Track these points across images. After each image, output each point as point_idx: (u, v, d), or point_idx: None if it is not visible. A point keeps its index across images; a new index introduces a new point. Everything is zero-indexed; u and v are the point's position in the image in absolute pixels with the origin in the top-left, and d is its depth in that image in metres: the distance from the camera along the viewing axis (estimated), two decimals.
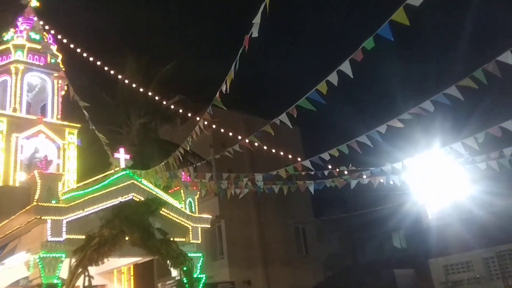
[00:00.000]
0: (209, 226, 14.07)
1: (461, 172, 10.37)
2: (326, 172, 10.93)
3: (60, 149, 14.57)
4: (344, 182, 10.97)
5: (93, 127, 12.55)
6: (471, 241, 13.56)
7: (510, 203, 13.91)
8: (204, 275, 12.93)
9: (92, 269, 10.55)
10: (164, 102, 15.36)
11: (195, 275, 12.64)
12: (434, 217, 14.97)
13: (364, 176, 10.82)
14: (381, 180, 10.81)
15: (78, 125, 14.91)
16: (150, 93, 14.83)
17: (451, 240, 14.15)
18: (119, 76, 13.95)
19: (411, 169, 10.26)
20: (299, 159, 10.60)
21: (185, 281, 12.48)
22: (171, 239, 11.57)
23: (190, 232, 13.17)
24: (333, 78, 6.27)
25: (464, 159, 9.58)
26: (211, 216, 14.12)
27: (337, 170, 10.94)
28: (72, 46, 13.78)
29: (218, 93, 7.49)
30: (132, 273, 14.57)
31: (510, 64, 5.77)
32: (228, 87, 7.21)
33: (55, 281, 10.06)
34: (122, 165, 12.26)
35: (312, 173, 11.02)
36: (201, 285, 12.78)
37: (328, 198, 23.96)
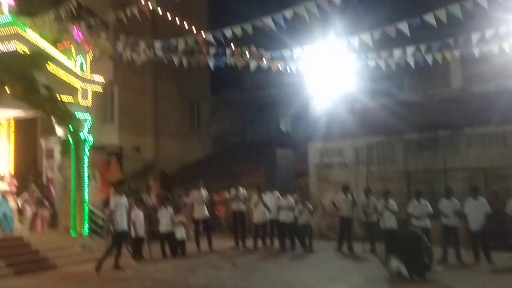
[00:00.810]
0: (101, 89, 13.63)
1: (352, 65, 11.04)
2: (227, 50, 10.92)
3: None
4: (244, 63, 11.13)
5: None
6: (347, 131, 15.00)
7: (388, 101, 15.35)
8: (91, 137, 12.84)
9: None
10: None
11: (81, 136, 12.51)
12: (319, 106, 16.08)
13: (264, 60, 11.07)
14: (279, 66, 11.17)
15: None
16: None
17: (330, 128, 15.48)
18: None
19: (308, 58, 10.69)
20: (202, 33, 10.37)
21: (70, 140, 12.32)
22: (58, 97, 11.05)
23: (80, 93, 12.71)
24: None
25: (357, 53, 10.18)
26: (103, 80, 13.62)
27: (239, 49, 10.99)
28: None
29: None
30: (12, 127, 13.92)
31: None
32: None
33: None
34: (5, 10, 11.04)
35: (214, 49, 10.93)
36: (87, 146, 12.74)
37: (226, 77, 24.22)
